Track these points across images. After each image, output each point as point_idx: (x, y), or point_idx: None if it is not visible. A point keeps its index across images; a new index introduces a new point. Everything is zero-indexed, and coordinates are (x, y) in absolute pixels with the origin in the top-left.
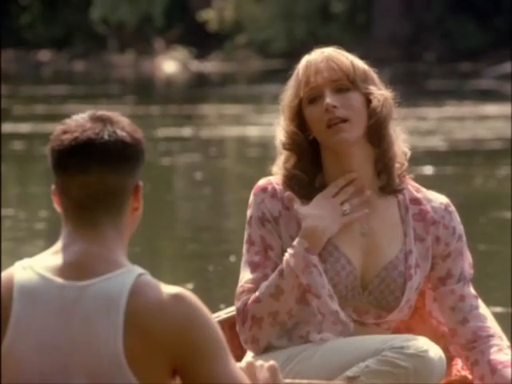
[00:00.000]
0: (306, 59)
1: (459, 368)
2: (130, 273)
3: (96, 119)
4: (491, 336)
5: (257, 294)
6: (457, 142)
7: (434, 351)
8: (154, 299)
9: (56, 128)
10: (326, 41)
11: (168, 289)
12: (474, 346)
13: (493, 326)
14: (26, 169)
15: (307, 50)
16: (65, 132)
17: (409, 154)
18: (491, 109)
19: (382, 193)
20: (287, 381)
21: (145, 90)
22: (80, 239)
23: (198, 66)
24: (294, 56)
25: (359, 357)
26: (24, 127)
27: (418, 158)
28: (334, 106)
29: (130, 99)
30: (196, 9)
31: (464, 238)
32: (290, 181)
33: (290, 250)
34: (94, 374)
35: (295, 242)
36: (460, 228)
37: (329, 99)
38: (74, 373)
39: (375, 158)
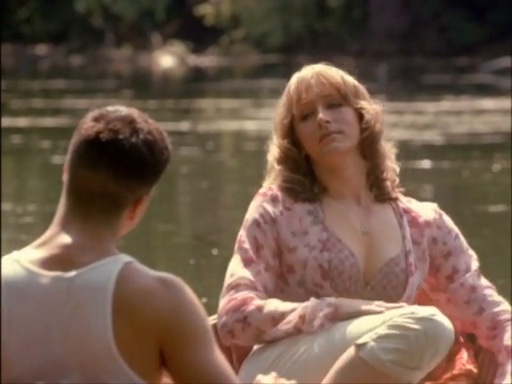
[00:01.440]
0: (296, 76)
1: (464, 362)
2: (116, 261)
3: (129, 122)
4: (509, 320)
5: (261, 303)
6: (453, 136)
7: (443, 317)
8: (141, 286)
9: (94, 111)
10: (322, 35)
11: (155, 275)
12: (496, 333)
13: (508, 309)
14: (24, 163)
15: (304, 44)
16: (96, 120)
17: (398, 169)
18: (488, 103)
19: (377, 201)
20: None
21: (142, 84)
22: (70, 228)
23: (194, 60)
24: (291, 50)
25: (369, 328)
26: (22, 121)
27: (415, 151)
28: (327, 121)
29: (127, 93)
30: (193, 3)
31: (462, 237)
32: (290, 185)
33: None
34: (86, 364)
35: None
36: (454, 227)
37: (321, 115)
38: (66, 365)
39: (367, 171)
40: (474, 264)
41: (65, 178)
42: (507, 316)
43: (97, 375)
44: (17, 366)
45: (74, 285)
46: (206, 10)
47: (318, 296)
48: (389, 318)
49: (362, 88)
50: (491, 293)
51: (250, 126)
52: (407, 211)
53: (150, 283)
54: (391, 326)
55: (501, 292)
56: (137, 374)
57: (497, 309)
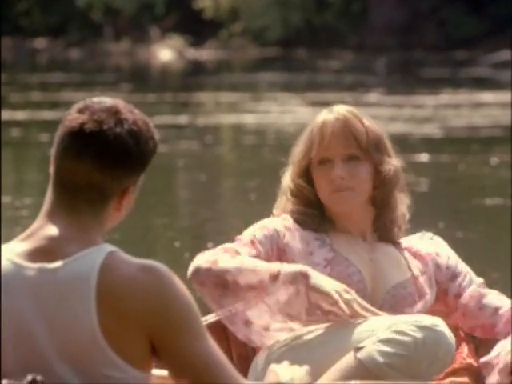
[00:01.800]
0: (322, 118)
1: (464, 356)
2: (100, 251)
3: (113, 113)
4: None
5: (237, 255)
6: (452, 130)
7: (447, 330)
8: (125, 274)
9: (80, 101)
10: (321, 29)
11: (139, 262)
12: None
13: None
14: (23, 156)
15: (303, 37)
16: (80, 111)
17: (407, 216)
18: (487, 96)
19: (381, 240)
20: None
21: (140, 77)
22: (56, 220)
23: (193, 54)
24: (290, 44)
25: (371, 332)
26: (20, 115)
27: (414, 145)
28: (342, 178)
29: (126, 87)
30: None
31: (458, 257)
32: (300, 216)
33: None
34: (74, 354)
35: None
36: (450, 250)
37: (337, 169)
38: (54, 356)
39: (375, 218)
40: (477, 278)
41: (51, 170)
42: None
43: (85, 365)
44: (6, 360)
45: (58, 276)
46: (204, 4)
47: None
48: (393, 323)
49: (384, 139)
50: (500, 295)
51: (248, 119)
52: (408, 248)
53: (134, 271)
54: (393, 332)
55: (495, 284)
56: (126, 362)
57: (509, 304)
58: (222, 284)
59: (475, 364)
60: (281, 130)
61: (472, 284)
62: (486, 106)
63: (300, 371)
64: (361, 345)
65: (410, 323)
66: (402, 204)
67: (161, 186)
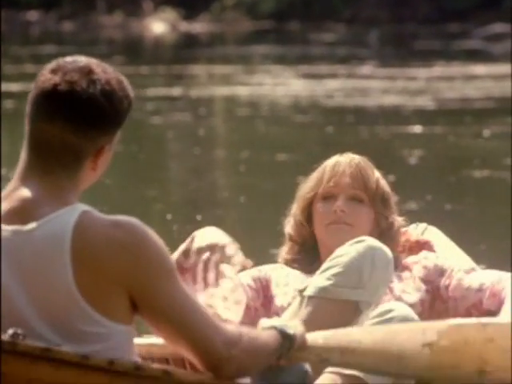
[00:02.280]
0: (336, 159)
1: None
2: (73, 210)
3: (86, 73)
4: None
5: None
6: (445, 102)
7: (375, 240)
8: (98, 231)
9: (52, 62)
10: (314, 1)
11: (111, 219)
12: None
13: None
14: (16, 128)
15: (296, 10)
16: (53, 71)
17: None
18: (479, 69)
19: None
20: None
21: (134, 50)
22: (30, 181)
23: (186, 26)
24: (282, 17)
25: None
26: (14, 86)
27: (407, 116)
28: (343, 211)
29: (119, 59)
30: None
31: (453, 250)
32: (291, 261)
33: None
34: (52, 313)
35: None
36: (443, 242)
37: (340, 203)
38: (33, 316)
39: None
40: (468, 265)
41: (25, 132)
42: (507, 275)
43: (65, 323)
44: None
45: (33, 237)
46: None
47: None
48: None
49: (391, 199)
50: (487, 271)
51: (241, 91)
52: (397, 267)
53: (108, 228)
54: (327, 262)
55: (483, 256)
56: (106, 317)
57: (495, 275)
58: None
59: None
60: (274, 102)
61: (460, 271)
62: (479, 79)
63: (290, 320)
64: (302, 287)
65: (340, 249)
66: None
67: (154, 158)
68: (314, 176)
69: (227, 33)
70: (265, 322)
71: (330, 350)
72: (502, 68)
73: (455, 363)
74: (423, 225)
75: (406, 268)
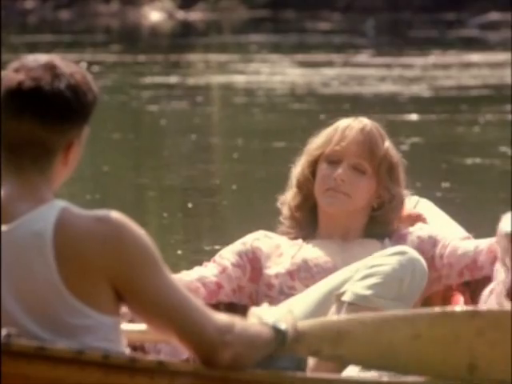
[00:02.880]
0: (349, 121)
1: (461, 305)
2: (51, 208)
3: (49, 69)
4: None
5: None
6: (441, 90)
7: (413, 251)
8: (80, 227)
9: (13, 62)
10: None
11: (92, 214)
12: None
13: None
14: None
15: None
16: (16, 70)
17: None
18: (475, 57)
19: (366, 237)
20: (301, 322)
21: (130, 38)
22: (5, 181)
23: (183, 15)
24: (278, 6)
25: (347, 278)
26: None
27: (403, 104)
28: (342, 180)
29: (116, 48)
30: None
31: (444, 221)
32: (289, 221)
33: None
34: (39, 310)
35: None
36: (436, 213)
37: (341, 171)
38: (20, 314)
39: (368, 225)
40: (462, 234)
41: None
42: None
43: (52, 318)
44: None
45: (13, 237)
46: None
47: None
48: (362, 264)
49: (399, 169)
50: (482, 239)
51: (238, 79)
52: (392, 235)
53: (89, 223)
54: (366, 268)
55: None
56: (92, 308)
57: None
58: None
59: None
60: (270, 89)
61: (455, 239)
62: (475, 67)
63: (281, 311)
64: (341, 291)
65: (379, 256)
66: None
67: (151, 145)
68: (325, 133)
69: (223, 21)
70: (255, 311)
71: (320, 341)
72: (497, 56)
73: (445, 358)
74: (415, 198)
75: (401, 238)
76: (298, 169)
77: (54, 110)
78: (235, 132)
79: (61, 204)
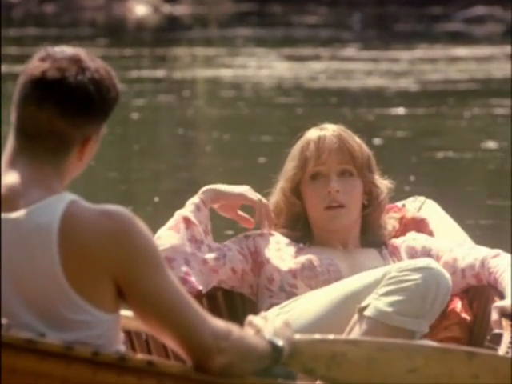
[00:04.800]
0: (317, 134)
1: (458, 311)
2: (60, 199)
3: (75, 61)
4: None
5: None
6: (428, 84)
7: (439, 266)
8: (86, 221)
9: (41, 50)
10: None
11: (100, 208)
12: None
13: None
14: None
15: None
16: (42, 59)
17: (397, 228)
18: (462, 51)
19: (364, 247)
20: (298, 336)
21: (116, 32)
22: (16, 168)
23: (168, 9)
24: None
25: (366, 287)
26: None
27: (390, 98)
28: (337, 191)
29: (102, 41)
30: None
31: (448, 228)
32: (284, 230)
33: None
34: (39, 303)
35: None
36: (440, 217)
37: (334, 183)
38: (19, 306)
39: (362, 231)
40: (460, 239)
41: (12, 118)
42: (496, 252)
43: (52, 312)
44: None
45: (20, 225)
46: None
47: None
48: (386, 275)
49: (372, 159)
50: (472, 250)
51: (225, 73)
52: (388, 245)
53: (96, 218)
54: (390, 283)
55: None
56: (92, 305)
57: (486, 251)
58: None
59: (468, 318)
60: (257, 83)
61: (446, 253)
62: (461, 61)
63: (279, 324)
64: (364, 304)
65: (404, 269)
66: (388, 216)
67: (138, 139)
68: (298, 154)
69: (209, 15)
70: (253, 321)
71: (315, 361)
72: (484, 50)
73: None
74: (421, 198)
75: (395, 249)
76: (278, 198)
77: (76, 103)
78: (222, 126)
79: (70, 197)
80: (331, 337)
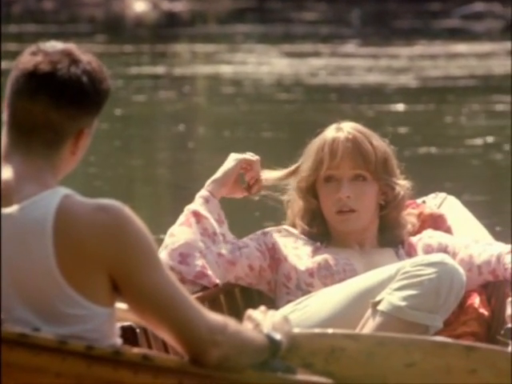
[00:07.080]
0: (332, 136)
1: (476, 306)
2: (54, 194)
3: (67, 54)
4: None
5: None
6: (428, 80)
7: (453, 261)
8: (81, 215)
9: (32, 45)
10: None
11: (94, 203)
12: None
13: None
14: None
15: None
16: (33, 53)
17: (416, 225)
18: (461, 47)
19: (382, 246)
20: (297, 330)
21: (115, 29)
22: (11, 162)
23: (167, 5)
24: None
25: (380, 282)
26: None
27: (390, 94)
28: (348, 197)
29: (101, 38)
30: None
31: (467, 226)
32: (302, 228)
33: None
34: (34, 297)
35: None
36: (461, 216)
37: (345, 189)
38: (14, 300)
39: (380, 231)
40: (478, 236)
41: (5, 114)
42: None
43: (47, 306)
44: None
45: (14, 220)
46: None
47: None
48: (400, 270)
49: (391, 159)
50: (487, 246)
51: (225, 69)
52: (404, 245)
53: (91, 211)
54: (404, 278)
55: None
56: (87, 299)
57: (501, 247)
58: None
59: (487, 313)
60: (257, 80)
61: (464, 248)
62: (461, 57)
63: (278, 318)
64: (377, 299)
65: (418, 264)
66: (408, 215)
67: (138, 135)
68: (313, 155)
69: (209, 11)
70: (252, 315)
71: (313, 355)
72: (483, 47)
73: None
74: (442, 194)
75: (411, 247)
76: (296, 194)
77: (70, 94)
78: (222, 122)
79: (64, 191)
80: (330, 331)
